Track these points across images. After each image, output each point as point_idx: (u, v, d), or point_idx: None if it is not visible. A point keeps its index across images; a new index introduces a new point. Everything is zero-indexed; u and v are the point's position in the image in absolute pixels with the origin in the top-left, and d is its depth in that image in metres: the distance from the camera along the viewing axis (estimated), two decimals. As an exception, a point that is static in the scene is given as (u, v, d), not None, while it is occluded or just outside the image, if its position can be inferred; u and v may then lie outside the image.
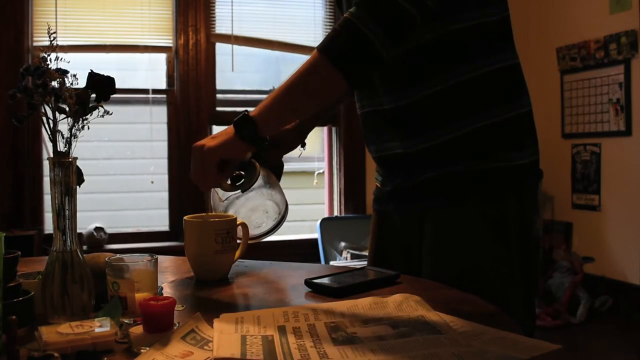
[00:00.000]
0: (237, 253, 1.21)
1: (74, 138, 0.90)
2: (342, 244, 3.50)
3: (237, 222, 1.21)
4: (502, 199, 1.09)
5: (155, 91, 3.38)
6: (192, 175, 1.05)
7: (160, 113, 3.40)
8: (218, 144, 1.02)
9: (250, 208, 1.20)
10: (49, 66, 0.88)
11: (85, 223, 3.17)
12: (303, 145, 1.38)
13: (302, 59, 1.07)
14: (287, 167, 1.36)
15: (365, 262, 3.35)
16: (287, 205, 1.21)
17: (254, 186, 1.13)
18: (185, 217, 1.20)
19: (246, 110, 1.05)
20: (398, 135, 1.15)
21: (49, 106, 0.88)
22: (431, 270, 1.14)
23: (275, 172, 1.29)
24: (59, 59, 0.89)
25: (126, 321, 0.85)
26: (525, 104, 1.15)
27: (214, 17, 3.44)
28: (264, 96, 4.08)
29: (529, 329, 1.11)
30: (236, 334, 0.78)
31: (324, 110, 1.42)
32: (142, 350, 0.74)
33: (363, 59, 1.00)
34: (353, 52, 1.00)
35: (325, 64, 1.00)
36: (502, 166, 1.09)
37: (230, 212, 1.19)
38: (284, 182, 1.31)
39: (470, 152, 1.09)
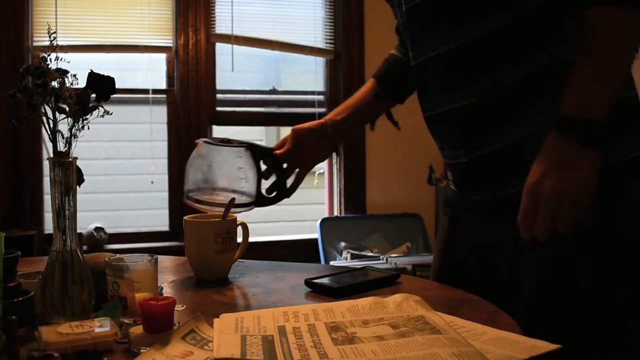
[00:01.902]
0: (237, 253, 1.21)
1: (74, 138, 0.90)
2: (342, 244, 3.49)
3: (237, 223, 1.21)
4: (606, 204, 0.90)
5: (155, 91, 3.38)
6: None
7: (160, 113, 3.40)
8: None
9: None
10: (49, 66, 0.88)
11: (85, 223, 3.17)
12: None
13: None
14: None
15: (366, 262, 3.35)
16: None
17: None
18: (185, 217, 1.20)
19: None
20: (474, 135, 1.00)
21: (49, 106, 0.88)
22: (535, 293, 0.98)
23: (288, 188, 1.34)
24: (59, 59, 0.89)
25: (126, 321, 0.85)
26: (632, 87, 0.98)
27: (214, 17, 3.44)
28: (264, 96, 4.03)
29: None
30: (236, 333, 0.78)
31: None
32: (142, 350, 0.75)
33: None
34: None
35: None
36: (606, 167, 0.89)
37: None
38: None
39: None
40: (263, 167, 1.30)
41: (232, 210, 1.21)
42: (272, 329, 0.79)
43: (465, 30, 0.97)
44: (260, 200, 1.28)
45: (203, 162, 1.25)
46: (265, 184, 1.32)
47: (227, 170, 1.25)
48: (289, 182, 1.34)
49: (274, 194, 1.33)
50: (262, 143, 1.22)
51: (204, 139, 1.27)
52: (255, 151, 1.29)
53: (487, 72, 0.97)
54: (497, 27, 0.95)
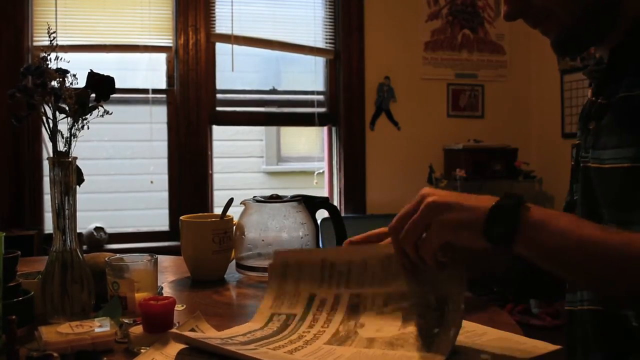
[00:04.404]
0: (234, 252, 1.21)
1: (74, 138, 0.90)
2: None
3: (233, 223, 1.21)
4: None
5: (155, 91, 3.38)
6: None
7: (160, 113, 3.40)
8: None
9: None
10: (49, 66, 0.88)
11: (85, 223, 3.17)
12: None
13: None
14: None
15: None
16: None
17: None
18: (182, 217, 1.20)
19: (517, 198, 0.71)
20: None
21: (48, 106, 0.88)
22: None
23: None
24: (59, 58, 0.89)
25: (126, 321, 0.84)
26: None
27: (214, 17, 3.44)
28: (264, 96, 4.03)
29: None
30: (269, 310, 0.84)
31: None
32: (141, 350, 0.74)
33: None
34: None
35: None
36: None
37: None
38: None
39: None
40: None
41: None
42: (302, 303, 0.83)
43: None
44: None
45: (257, 223, 1.17)
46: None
47: (287, 228, 1.17)
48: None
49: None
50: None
51: (253, 198, 1.17)
52: (311, 203, 1.20)
53: None
54: None
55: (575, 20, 0.83)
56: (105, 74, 0.93)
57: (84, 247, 3.04)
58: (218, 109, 3.48)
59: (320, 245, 1.23)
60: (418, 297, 0.77)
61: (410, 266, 0.75)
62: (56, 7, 3.14)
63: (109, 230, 3.23)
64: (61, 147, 0.90)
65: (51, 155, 0.90)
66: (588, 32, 0.86)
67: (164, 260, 1.37)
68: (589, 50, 0.92)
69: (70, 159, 0.90)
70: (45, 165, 3.00)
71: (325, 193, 3.78)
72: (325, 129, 3.74)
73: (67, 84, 0.88)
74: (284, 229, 1.18)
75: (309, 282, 0.85)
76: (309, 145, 4.20)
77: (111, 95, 0.92)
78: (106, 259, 0.90)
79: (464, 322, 0.81)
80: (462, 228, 0.70)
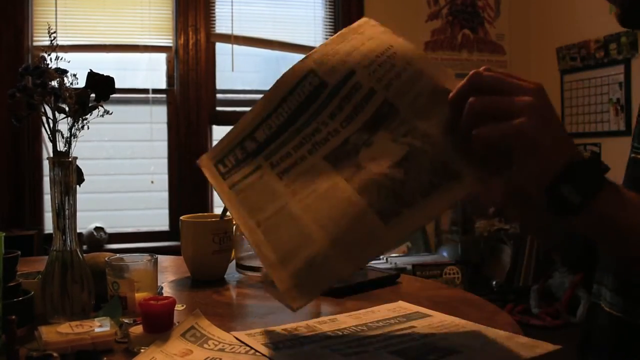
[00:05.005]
0: (234, 252, 1.21)
1: (74, 138, 0.90)
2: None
3: (234, 223, 1.21)
4: None
5: (155, 91, 3.38)
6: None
7: (160, 113, 3.40)
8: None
9: None
10: (49, 66, 0.88)
11: (85, 223, 3.17)
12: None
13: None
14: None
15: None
16: None
17: None
18: (182, 217, 1.20)
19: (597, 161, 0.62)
20: None
21: (48, 106, 0.88)
22: None
23: None
24: (59, 58, 0.89)
25: (126, 321, 0.85)
26: None
27: (214, 17, 3.44)
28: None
29: None
30: (312, 64, 0.85)
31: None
32: (141, 350, 0.74)
33: None
34: None
35: None
36: None
37: None
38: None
39: None
40: None
41: None
42: (339, 76, 0.79)
43: None
44: None
45: None
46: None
47: None
48: None
49: None
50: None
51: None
52: None
53: None
54: None
55: None
56: (105, 74, 0.93)
57: (84, 247, 3.04)
58: (218, 109, 3.48)
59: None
60: (435, 148, 0.67)
61: (453, 117, 0.64)
62: (56, 7, 3.14)
63: (109, 230, 3.22)
64: (61, 147, 0.90)
65: (51, 155, 0.90)
66: None
67: (164, 260, 1.37)
68: None
69: (70, 159, 0.90)
70: (45, 165, 3.00)
71: (325, 193, 3.78)
72: (325, 129, 3.73)
73: (67, 84, 0.88)
74: None
75: (360, 56, 0.78)
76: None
77: (111, 95, 0.92)
78: (106, 259, 0.90)
79: (463, 322, 0.81)
80: (532, 155, 0.59)
